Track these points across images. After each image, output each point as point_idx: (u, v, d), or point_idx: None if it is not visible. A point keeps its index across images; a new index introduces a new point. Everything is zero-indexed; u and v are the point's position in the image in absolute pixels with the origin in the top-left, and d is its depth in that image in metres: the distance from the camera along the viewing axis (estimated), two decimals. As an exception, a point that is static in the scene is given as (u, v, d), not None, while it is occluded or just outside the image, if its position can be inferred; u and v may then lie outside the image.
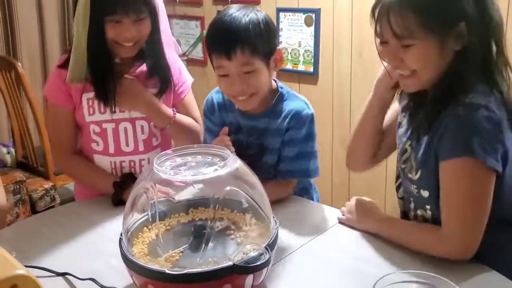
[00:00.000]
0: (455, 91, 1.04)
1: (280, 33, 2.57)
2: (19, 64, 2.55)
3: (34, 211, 2.54)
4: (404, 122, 1.22)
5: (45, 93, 1.55)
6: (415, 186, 1.13)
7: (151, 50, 1.47)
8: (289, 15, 2.52)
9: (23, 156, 2.88)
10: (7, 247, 1.19)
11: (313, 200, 1.47)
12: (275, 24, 2.52)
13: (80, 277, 1.07)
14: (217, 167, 0.93)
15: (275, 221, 1.00)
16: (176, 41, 1.67)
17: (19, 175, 2.59)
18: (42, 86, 3.29)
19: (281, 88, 1.37)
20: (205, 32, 2.94)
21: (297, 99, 1.37)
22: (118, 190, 1.41)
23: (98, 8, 1.35)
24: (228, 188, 0.94)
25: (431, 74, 1.07)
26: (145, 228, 0.98)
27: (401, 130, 1.22)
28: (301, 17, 2.49)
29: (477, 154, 0.98)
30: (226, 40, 1.23)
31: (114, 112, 1.48)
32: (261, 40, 1.24)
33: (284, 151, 1.33)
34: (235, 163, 0.96)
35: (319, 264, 1.11)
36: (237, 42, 1.21)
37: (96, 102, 1.47)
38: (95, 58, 1.41)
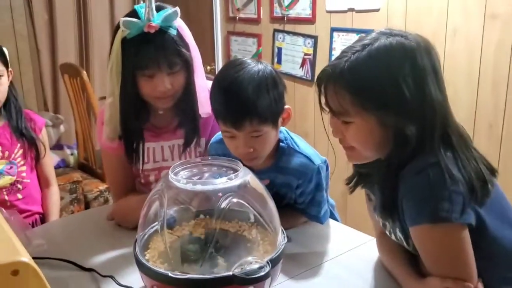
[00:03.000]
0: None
1: (333, 52, 2.58)
2: (84, 72, 2.73)
3: (88, 210, 2.70)
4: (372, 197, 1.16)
5: (98, 141, 1.53)
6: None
7: (184, 103, 1.38)
8: (343, 35, 2.52)
9: (85, 158, 3.04)
10: (41, 239, 1.29)
11: (336, 220, 1.45)
12: (329, 44, 2.54)
13: (103, 274, 1.14)
14: (227, 179, 0.96)
15: (284, 237, 1.01)
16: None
17: (77, 175, 2.75)
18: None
19: (284, 140, 1.30)
20: (260, 49, 3.01)
21: (298, 154, 1.28)
22: None
23: (129, 61, 1.28)
24: (236, 199, 0.96)
25: (371, 152, 1.03)
26: (157, 234, 1.03)
27: (372, 204, 1.16)
28: (354, 37, 2.48)
29: (442, 218, 0.91)
30: (234, 113, 1.15)
31: (142, 172, 1.46)
32: (270, 109, 1.16)
33: (296, 199, 1.32)
34: (246, 175, 0.99)
35: (330, 285, 1.10)
36: (246, 115, 1.14)
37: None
38: (127, 115, 1.36)
